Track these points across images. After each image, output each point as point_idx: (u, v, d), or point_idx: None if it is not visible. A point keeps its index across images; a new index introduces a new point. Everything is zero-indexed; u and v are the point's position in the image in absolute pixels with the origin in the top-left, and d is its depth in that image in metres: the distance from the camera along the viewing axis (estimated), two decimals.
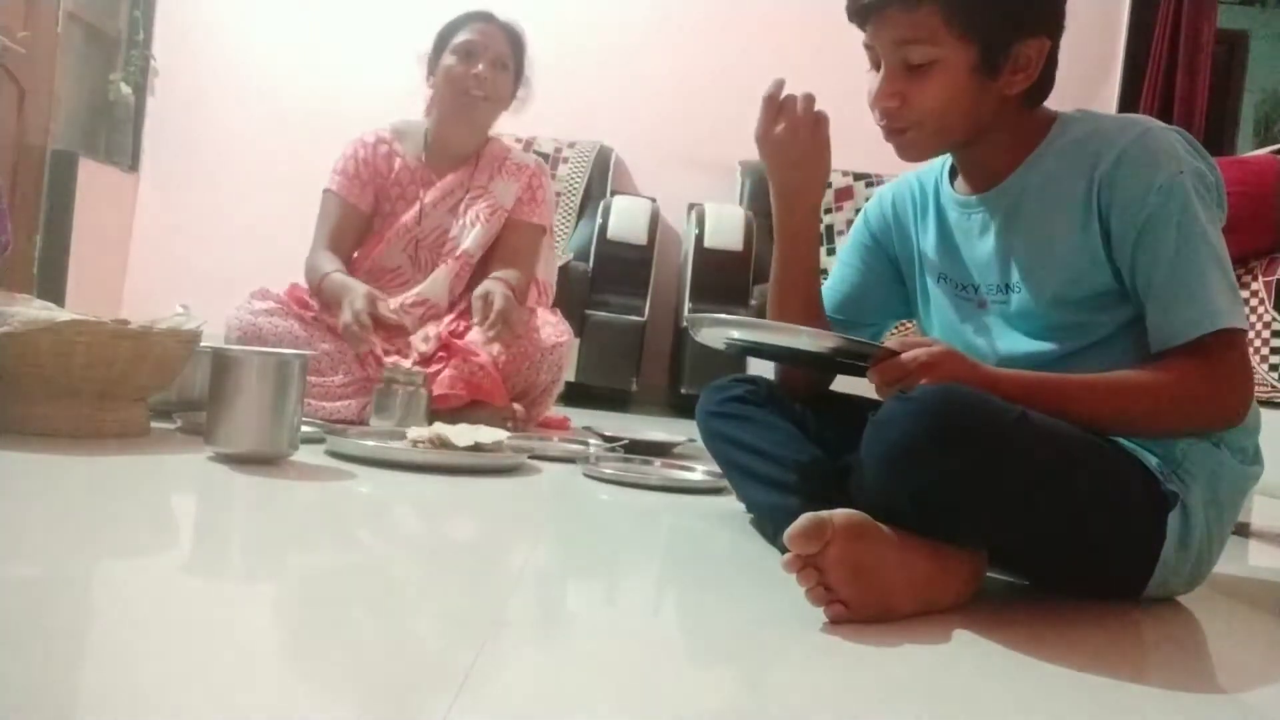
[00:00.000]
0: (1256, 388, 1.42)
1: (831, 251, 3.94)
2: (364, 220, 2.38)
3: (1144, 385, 1.07)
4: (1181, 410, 1.07)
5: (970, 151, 1.20)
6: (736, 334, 1.17)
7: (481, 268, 2.37)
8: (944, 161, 1.28)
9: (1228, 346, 1.06)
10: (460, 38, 2.30)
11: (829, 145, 1.26)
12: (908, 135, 1.16)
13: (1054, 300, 1.14)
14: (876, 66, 1.16)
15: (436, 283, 2.31)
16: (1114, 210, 1.10)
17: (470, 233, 2.34)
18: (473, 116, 2.34)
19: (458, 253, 2.33)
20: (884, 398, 1.06)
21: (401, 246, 2.35)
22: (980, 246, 1.21)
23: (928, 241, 1.29)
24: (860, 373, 1.10)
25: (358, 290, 2.12)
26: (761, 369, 1.44)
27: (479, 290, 2.15)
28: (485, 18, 2.34)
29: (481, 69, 2.27)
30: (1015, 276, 1.18)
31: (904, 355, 1.04)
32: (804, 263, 1.32)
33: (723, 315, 1.17)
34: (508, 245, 2.37)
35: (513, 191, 2.38)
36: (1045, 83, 1.17)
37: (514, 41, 2.35)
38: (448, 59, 2.30)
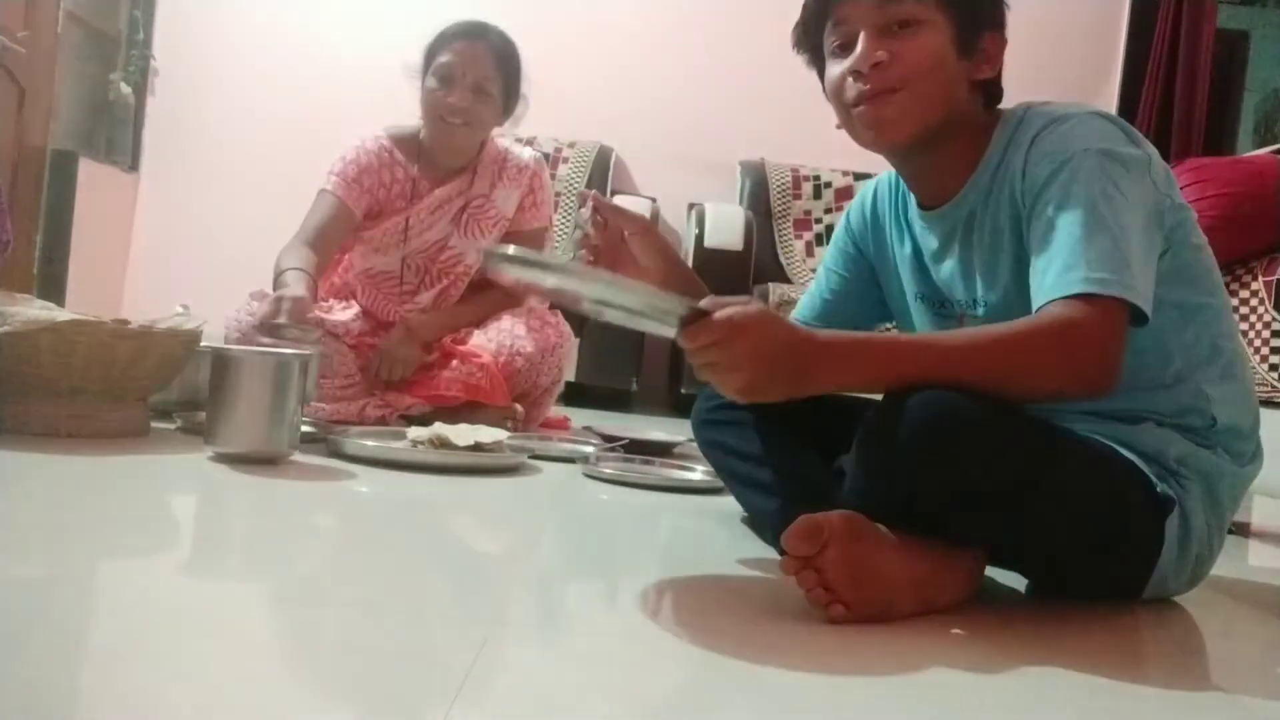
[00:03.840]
0: (1257, 387, 1.42)
1: None
2: (354, 224, 2.29)
3: (989, 341, 1.00)
4: (1027, 366, 0.98)
5: (925, 158, 1.17)
6: (523, 274, 0.96)
7: (480, 275, 2.36)
8: None
9: (1093, 312, 0.98)
10: (441, 58, 2.18)
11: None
12: (894, 99, 1.12)
13: (1017, 305, 1.10)
14: (843, 46, 1.14)
15: (428, 294, 2.31)
16: (1025, 197, 1.08)
17: (473, 246, 2.30)
18: (450, 143, 2.25)
19: (460, 268, 2.30)
20: (695, 364, 0.94)
21: (400, 254, 2.31)
22: (943, 263, 1.21)
23: (903, 257, 1.28)
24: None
25: (291, 289, 1.92)
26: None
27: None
28: (472, 34, 2.21)
29: (455, 99, 2.17)
30: (979, 289, 1.17)
31: (715, 315, 0.92)
32: None
33: (514, 252, 0.93)
34: None
35: (514, 199, 2.33)
36: (999, 84, 1.18)
37: (502, 59, 2.21)
38: (429, 80, 2.20)
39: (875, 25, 1.12)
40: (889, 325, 1.50)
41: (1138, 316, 1.00)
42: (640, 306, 0.94)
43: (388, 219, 2.29)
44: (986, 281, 1.15)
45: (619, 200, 3.81)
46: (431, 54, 2.22)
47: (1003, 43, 1.16)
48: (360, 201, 2.27)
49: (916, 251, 1.25)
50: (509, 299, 2.32)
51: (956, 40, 1.12)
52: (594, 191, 1.28)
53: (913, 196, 1.25)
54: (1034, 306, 1.03)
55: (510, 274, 0.97)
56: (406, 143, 2.32)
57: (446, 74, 2.18)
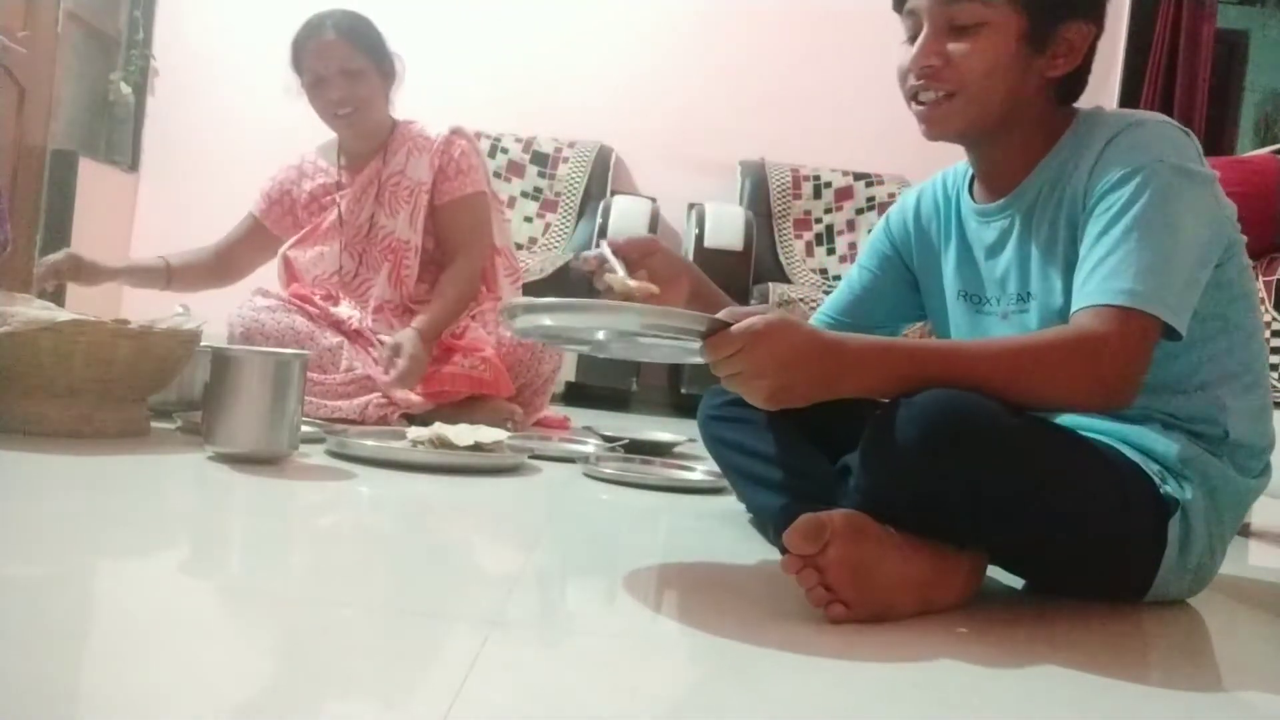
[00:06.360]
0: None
1: (831, 251, 3.94)
2: (270, 242, 2.43)
3: (1014, 350, 1.01)
4: (1049, 377, 0.99)
5: (992, 149, 1.17)
6: (549, 321, 0.99)
7: (438, 254, 2.35)
8: (965, 172, 1.26)
9: (1124, 326, 0.99)
10: (305, 67, 2.26)
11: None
12: (944, 105, 1.11)
13: (1066, 308, 1.10)
14: (914, 37, 1.13)
15: (381, 282, 2.32)
16: (1088, 196, 1.08)
17: (398, 219, 2.32)
18: (354, 132, 2.33)
19: (394, 243, 2.32)
20: (720, 375, 0.97)
21: (339, 249, 2.35)
22: (999, 257, 1.19)
23: (949, 262, 1.27)
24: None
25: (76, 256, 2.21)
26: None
27: (390, 341, 2.15)
28: (314, 31, 2.26)
29: (333, 94, 2.24)
30: (1033, 284, 1.16)
31: (734, 327, 0.94)
32: None
33: (537, 300, 1.00)
34: (454, 227, 2.33)
35: (424, 163, 2.32)
36: (1083, 75, 1.15)
37: (351, 35, 2.25)
38: (308, 91, 2.28)
39: (936, 23, 1.11)
40: (916, 328, 1.50)
41: (1171, 332, 1.02)
42: (657, 328, 0.95)
43: (323, 219, 2.38)
44: (1040, 277, 1.15)
45: (618, 200, 3.81)
46: (297, 67, 2.31)
47: (1089, 32, 1.10)
48: (281, 221, 2.43)
49: (965, 248, 1.25)
50: (469, 264, 2.29)
51: (1028, 36, 1.09)
52: (603, 246, 1.17)
53: (966, 195, 1.25)
54: (1073, 305, 1.04)
55: (515, 325, 1.00)
56: (329, 148, 2.44)
57: (315, 78, 2.26)
